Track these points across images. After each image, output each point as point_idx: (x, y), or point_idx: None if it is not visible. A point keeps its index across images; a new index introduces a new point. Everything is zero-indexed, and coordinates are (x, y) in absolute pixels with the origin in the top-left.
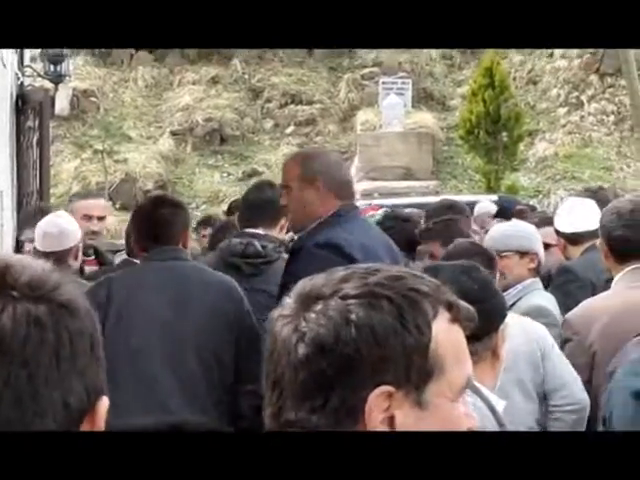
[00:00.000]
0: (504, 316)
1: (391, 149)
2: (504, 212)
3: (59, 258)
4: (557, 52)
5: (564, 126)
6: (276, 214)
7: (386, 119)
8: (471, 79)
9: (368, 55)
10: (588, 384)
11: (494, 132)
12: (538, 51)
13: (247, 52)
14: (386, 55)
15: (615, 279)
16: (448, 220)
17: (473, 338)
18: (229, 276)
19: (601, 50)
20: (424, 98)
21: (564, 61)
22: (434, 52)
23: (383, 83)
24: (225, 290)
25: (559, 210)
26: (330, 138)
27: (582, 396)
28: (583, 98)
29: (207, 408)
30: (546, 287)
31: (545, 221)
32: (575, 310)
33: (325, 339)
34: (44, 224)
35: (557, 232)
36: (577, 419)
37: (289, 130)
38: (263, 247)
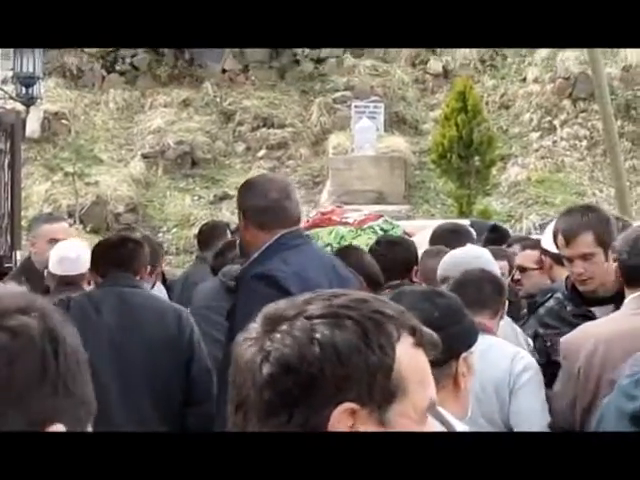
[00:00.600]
0: (468, 344)
1: (363, 173)
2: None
3: (74, 282)
4: (530, 76)
5: (537, 151)
6: None
7: (358, 143)
8: (444, 103)
9: (340, 79)
10: (572, 409)
11: (466, 156)
12: (511, 75)
13: (219, 75)
14: (358, 79)
15: (624, 303)
16: None
17: (432, 364)
18: (226, 299)
19: (574, 75)
20: (396, 122)
21: (537, 86)
22: (406, 76)
23: (355, 107)
24: (176, 317)
25: (547, 229)
26: (302, 162)
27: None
28: (556, 123)
29: (154, 427)
30: (530, 310)
31: (525, 245)
32: (569, 334)
33: (290, 358)
34: (61, 249)
35: (544, 252)
36: None
37: (261, 153)
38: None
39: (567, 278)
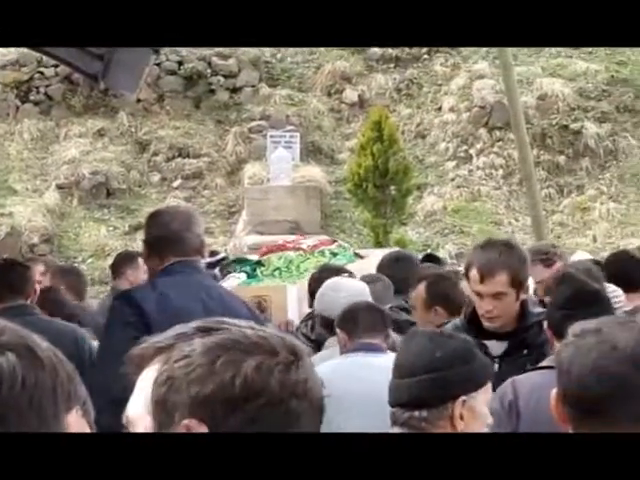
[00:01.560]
0: (470, 388)
1: (279, 203)
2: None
3: None
4: (445, 105)
5: (452, 180)
6: None
7: (274, 173)
8: (359, 132)
9: (256, 108)
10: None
11: (382, 186)
12: (427, 104)
13: (134, 105)
14: (274, 108)
15: None
16: None
17: (425, 405)
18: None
19: (490, 103)
20: (312, 151)
21: (453, 114)
22: (322, 105)
23: (271, 136)
24: (73, 338)
25: None
26: (217, 192)
27: None
28: (472, 152)
29: None
30: None
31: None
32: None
33: None
34: None
35: None
36: None
37: (176, 183)
38: None
39: (467, 306)
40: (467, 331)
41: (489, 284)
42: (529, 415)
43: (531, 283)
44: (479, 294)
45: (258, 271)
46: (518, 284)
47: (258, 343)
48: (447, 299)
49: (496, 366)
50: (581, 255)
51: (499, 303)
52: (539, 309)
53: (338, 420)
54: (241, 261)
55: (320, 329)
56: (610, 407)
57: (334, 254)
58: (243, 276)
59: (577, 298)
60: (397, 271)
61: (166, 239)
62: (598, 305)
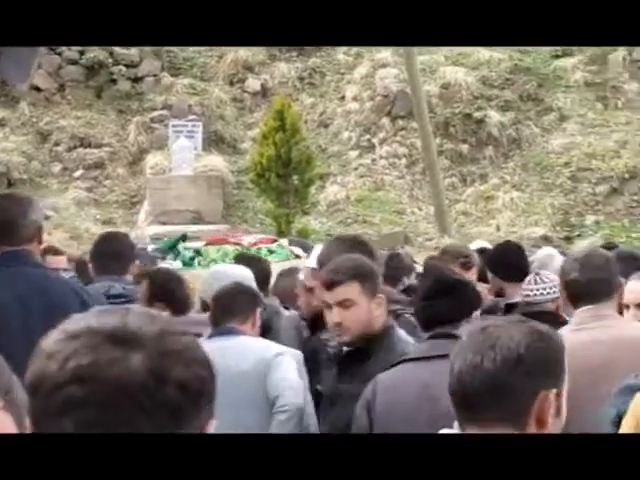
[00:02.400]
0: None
1: (181, 192)
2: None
3: None
4: (349, 94)
5: (355, 169)
6: (126, 263)
7: (176, 162)
8: (262, 122)
9: (158, 98)
10: None
11: (285, 175)
12: (330, 93)
13: (35, 95)
14: (176, 97)
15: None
16: None
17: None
18: None
19: (393, 93)
20: (214, 141)
21: (356, 104)
22: (224, 95)
23: (173, 126)
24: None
25: None
26: (119, 182)
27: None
28: (375, 141)
29: None
30: None
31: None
32: None
33: None
34: None
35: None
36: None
37: (77, 174)
38: (123, 288)
39: None
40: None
41: (336, 293)
42: (383, 412)
43: None
44: (327, 305)
45: (196, 260)
46: (370, 294)
47: None
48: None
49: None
50: (479, 244)
51: (348, 314)
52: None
53: None
54: (175, 246)
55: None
56: (483, 404)
57: (271, 252)
58: (178, 264)
59: (435, 288)
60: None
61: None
62: (456, 295)
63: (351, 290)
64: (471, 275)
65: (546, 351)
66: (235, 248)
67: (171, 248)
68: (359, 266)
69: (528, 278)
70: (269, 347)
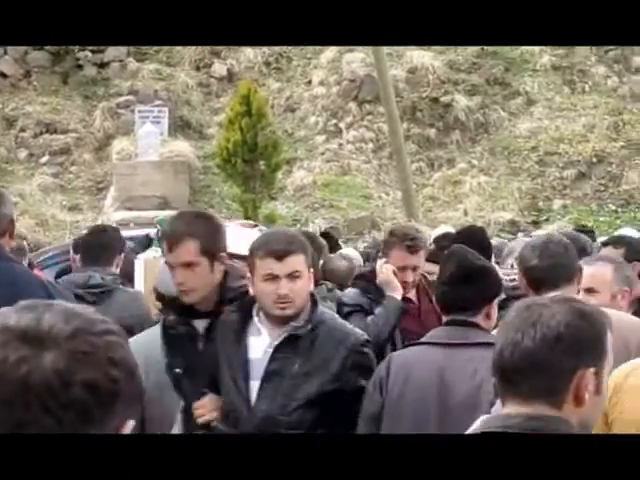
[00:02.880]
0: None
1: (147, 178)
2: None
3: None
4: (315, 79)
5: (322, 154)
6: (111, 254)
7: (142, 148)
8: (228, 107)
9: (124, 83)
10: None
11: (251, 160)
12: (296, 78)
13: (0, 81)
14: (142, 83)
15: None
16: None
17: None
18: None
19: (360, 77)
20: (181, 126)
21: (322, 88)
22: (190, 80)
23: (139, 112)
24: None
25: None
26: (85, 167)
27: None
28: (342, 125)
29: None
30: None
31: None
32: None
33: None
34: None
35: None
36: None
37: (44, 160)
38: (102, 279)
39: None
40: (174, 309)
41: (176, 254)
42: (396, 392)
43: (389, 267)
44: (170, 265)
45: None
46: (209, 253)
47: None
48: None
49: (200, 345)
50: (444, 229)
51: (191, 274)
52: (242, 282)
53: None
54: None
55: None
56: (521, 380)
57: None
58: (158, 252)
59: (458, 274)
60: None
61: None
62: (480, 282)
63: (299, 261)
64: (418, 259)
65: (586, 330)
66: None
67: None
68: (303, 239)
69: (510, 262)
70: None
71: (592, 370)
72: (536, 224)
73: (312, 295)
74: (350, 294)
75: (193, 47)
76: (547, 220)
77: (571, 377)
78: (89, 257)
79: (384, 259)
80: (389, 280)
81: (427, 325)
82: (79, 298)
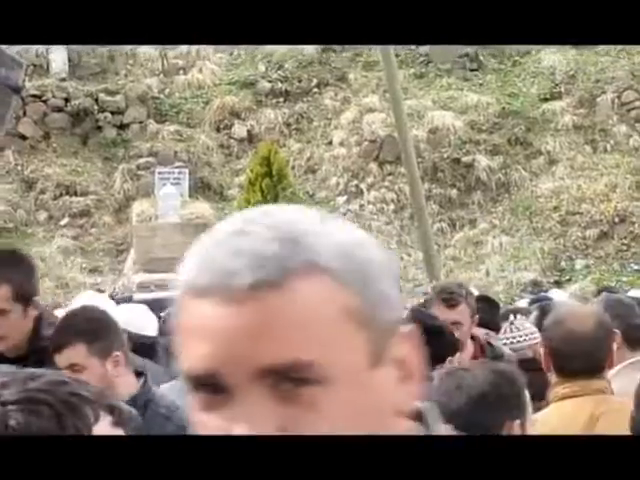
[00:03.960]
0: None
1: (167, 240)
2: None
3: None
4: (336, 140)
5: (344, 215)
6: None
7: (162, 210)
8: (248, 168)
9: (144, 145)
10: None
11: None
12: (317, 139)
13: (20, 143)
14: (162, 144)
15: None
16: None
17: None
18: None
19: (380, 137)
20: (201, 188)
21: (343, 149)
22: (211, 141)
23: (159, 173)
24: None
25: None
26: (105, 230)
27: None
28: (362, 186)
29: None
30: None
31: None
32: None
33: None
34: None
35: None
36: None
37: (63, 222)
38: None
39: None
40: None
41: None
42: None
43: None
44: None
45: None
46: (23, 299)
47: None
48: None
49: None
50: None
51: (2, 321)
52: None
53: None
54: None
55: None
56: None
57: None
58: None
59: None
60: None
61: None
62: (433, 341)
63: (2, 296)
64: (457, 314)
65: (507, 387)
66: None
67: None
68: (14, 271)
69: (503, 327)
70: None
71: (518, 422)
72: (558, 284)
73: None
74: None
75: (214, 109)
76: (569, 280)
77: (500, 431)
78: None
79: None
80: None
81: None
82: None
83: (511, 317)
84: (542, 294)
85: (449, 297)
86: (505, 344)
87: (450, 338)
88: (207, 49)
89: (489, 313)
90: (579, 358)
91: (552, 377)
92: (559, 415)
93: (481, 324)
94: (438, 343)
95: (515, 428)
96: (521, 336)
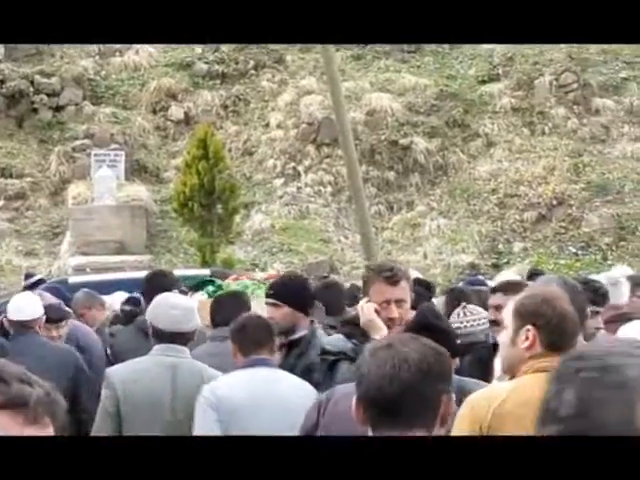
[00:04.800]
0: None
1: (103, 223)
2: None
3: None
4: (273, 122)
5: (281, 197)
6: None
7: (98, 192)
8: (185, 150)
9: (79, 127)
10: None
11: (209, 205)
12: (254, 121)
13: None
14: (98, 127)
15: None
16: None
17: None
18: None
19: (318, 120)
20: (137, 170)
21: (280, 131)
22: (147, 123)
23: (95, 155)
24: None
25: None
26: (41, 212)
27: None
28: (300, 169)
29: None
30: None
31: None
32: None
33: None
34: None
35: None
36: None
37: None
38: None
39: None
40: None
41: None
42: (328, 420)
43: (371, 306)
44: None
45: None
46: None
47: None
48: None
49: None
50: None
51: None
52: None
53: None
54: (206, 282)
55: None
56: (401, 408)
57: None
58: (205, 297)
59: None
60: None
61: None
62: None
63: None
64: (401, 290)
65: (444, 362)
66: (254, 282)
67: (197, 286)
68: None
69: (456, 311)
70: (304, 383)
71: (450, 395)
72: (496, 267)
73: None
74: (333, 341)
75: (150, 90)
76: (507, 263)
77: (439, 402)
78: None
79: (365, 298)
80: (371, 320)
81: None
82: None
83: (463, 302)
84: (478, 277)
85: (391, 275)
86: (458, 328)
87: (453, 342)
88: None
89: (425, 296)
90: (571, 335)
91: (516, 352)
92: (540, 386)
93: (416, 307)
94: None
95: (448, 400)
96: (475, 320)
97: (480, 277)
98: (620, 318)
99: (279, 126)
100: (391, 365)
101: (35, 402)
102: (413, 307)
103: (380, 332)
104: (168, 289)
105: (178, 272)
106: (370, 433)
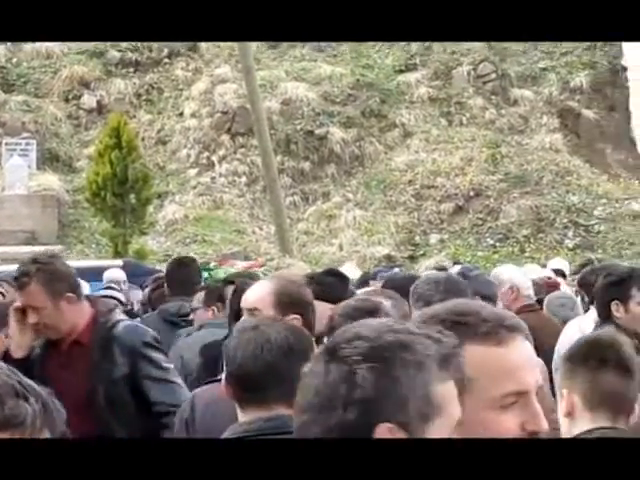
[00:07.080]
0: None
1: (14, 212)
2: None
3: None
4: (187, 111)
5: (194, 188)
6: (193, 286)
7: (9, 181)
8: (97, 139)
9: None
10: None
11: (121, 194)
12: (168, 110)
13: None
14: (9, 115)
15: None
16: None
17: None
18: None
19: (233, 109)
20: (49, 159)
21: (194, 120)
22: (59, 112)
23: (6, 144)
24: None
25: None
26: None
27: None
28: (214, 159)
29: None
30: None
31: None
32: None
33: None
34: None
35: None
36: None
37: None
38: (192, 309)
39: None
40: None
41: None
42: (203, 427)
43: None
44: None
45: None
46: None
47: None
48: None
49: None
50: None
51: None
52: None
53: None
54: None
55: None
56: (266, 387)
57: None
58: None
59: None
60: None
61: None
62: None
63: None
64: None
65: (305, 341)
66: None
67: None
68: None
69: None
70: None
71: None
72: (413, 259)
73: None
74: None
75: (62, 78)
76: (424, 255)
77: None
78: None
79: None
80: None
81: None
82: (172, 324)
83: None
84: (395, 269)
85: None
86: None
87: None
88: None
89: (339, 288)
90: None
91: None
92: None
93: (330, 299)
94: None
95: None
96: None
97: (396, 269)
98: None
99: (193, 115)
100: (254, 346)
101: (32, 420)
102: (329, 300)
103: None
104: (191, 279)
105: (89, 263)
106: (238, 410)
